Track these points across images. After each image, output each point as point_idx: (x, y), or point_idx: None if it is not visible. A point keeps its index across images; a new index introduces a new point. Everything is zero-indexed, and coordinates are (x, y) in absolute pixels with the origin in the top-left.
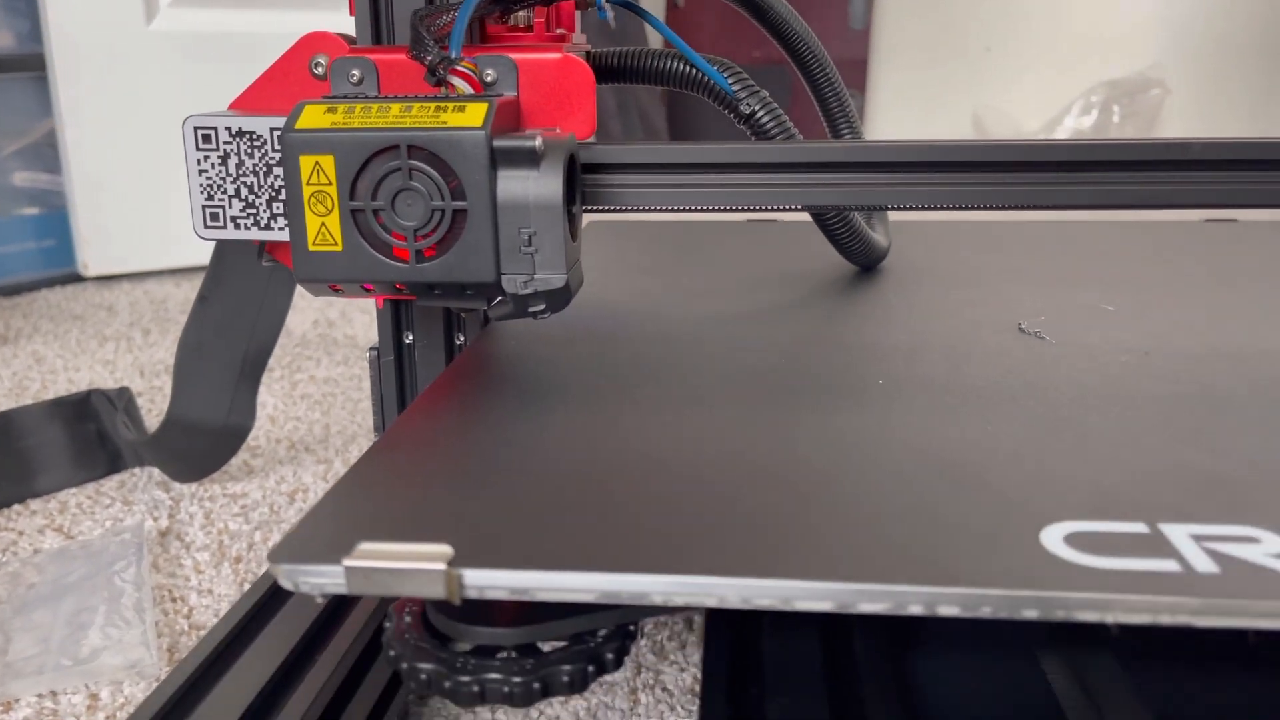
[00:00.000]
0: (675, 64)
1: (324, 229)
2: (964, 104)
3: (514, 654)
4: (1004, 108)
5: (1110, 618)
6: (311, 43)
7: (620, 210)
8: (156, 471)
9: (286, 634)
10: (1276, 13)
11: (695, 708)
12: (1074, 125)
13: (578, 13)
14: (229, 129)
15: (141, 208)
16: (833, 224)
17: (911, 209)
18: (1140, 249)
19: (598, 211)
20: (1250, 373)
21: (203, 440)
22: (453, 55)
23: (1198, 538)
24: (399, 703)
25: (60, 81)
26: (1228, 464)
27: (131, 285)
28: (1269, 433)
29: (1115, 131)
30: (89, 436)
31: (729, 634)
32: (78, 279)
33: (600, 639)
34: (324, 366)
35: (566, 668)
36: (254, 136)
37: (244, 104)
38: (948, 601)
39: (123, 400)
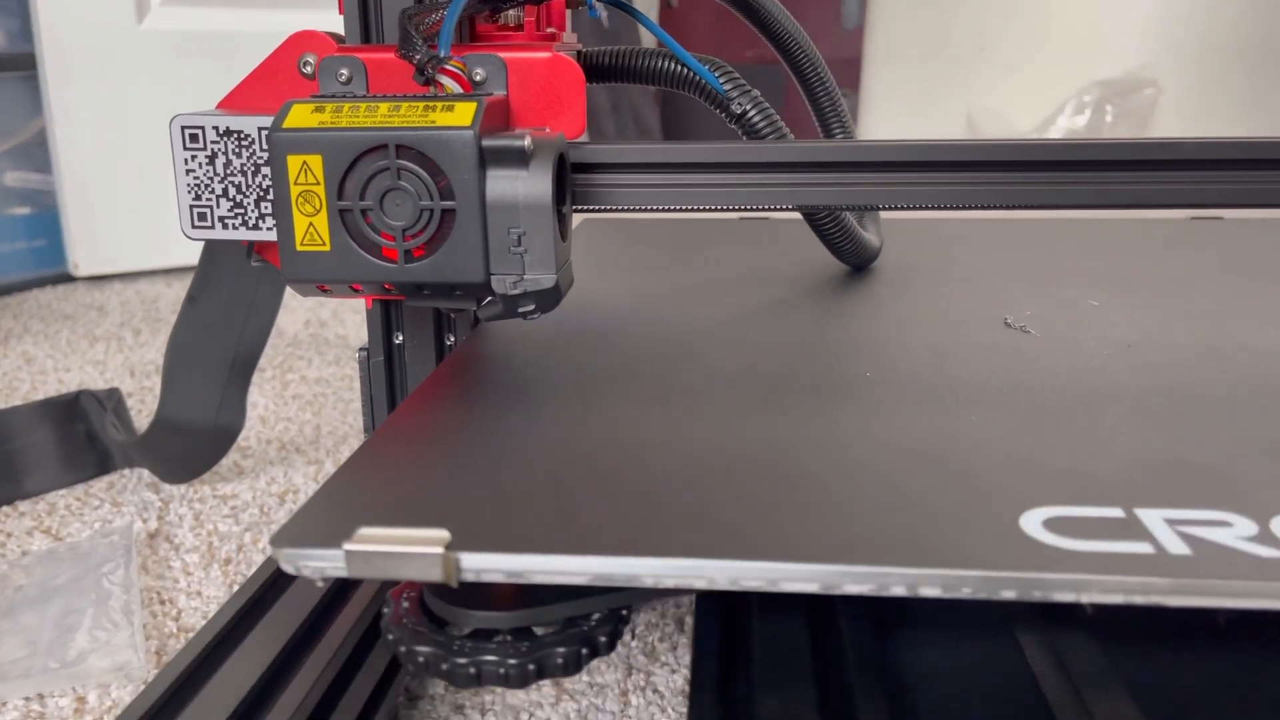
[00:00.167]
0: (667, 63)
1: (312, 229)
2: (957, 103)
3: (509, 637)
4: (997, 107)
5: (1085, 598)
6: (300, 41)
7: (611, 210)
8: (146, 473)
9: (275, 635)
10: (1268, 12)
11: (686, 708)
12: (1067, 125)
13: (568, 12)
14: (216, 128)
15: (133, 207)
16: (824, 224)
17: (903, 209)
18: (1127, 246)
19: (588, 211)
20: (1229, 365)
21: (192, 441)
22: (441, 54)
23: (1171, 522)
24: (388, 705)
25: (51, 81)
26: (1203, 453)
27: (122, 285)
28: (1245, 423)
29: (1108, 131)
30: (78, 438)
31: (718, 620)
32: (68, 279)
33: (593, 623)
34: (315, 367)
35: (560, 650)
36: (242, 136)
37: (232, 103)
38: (929, 583)
39: (112, 401)
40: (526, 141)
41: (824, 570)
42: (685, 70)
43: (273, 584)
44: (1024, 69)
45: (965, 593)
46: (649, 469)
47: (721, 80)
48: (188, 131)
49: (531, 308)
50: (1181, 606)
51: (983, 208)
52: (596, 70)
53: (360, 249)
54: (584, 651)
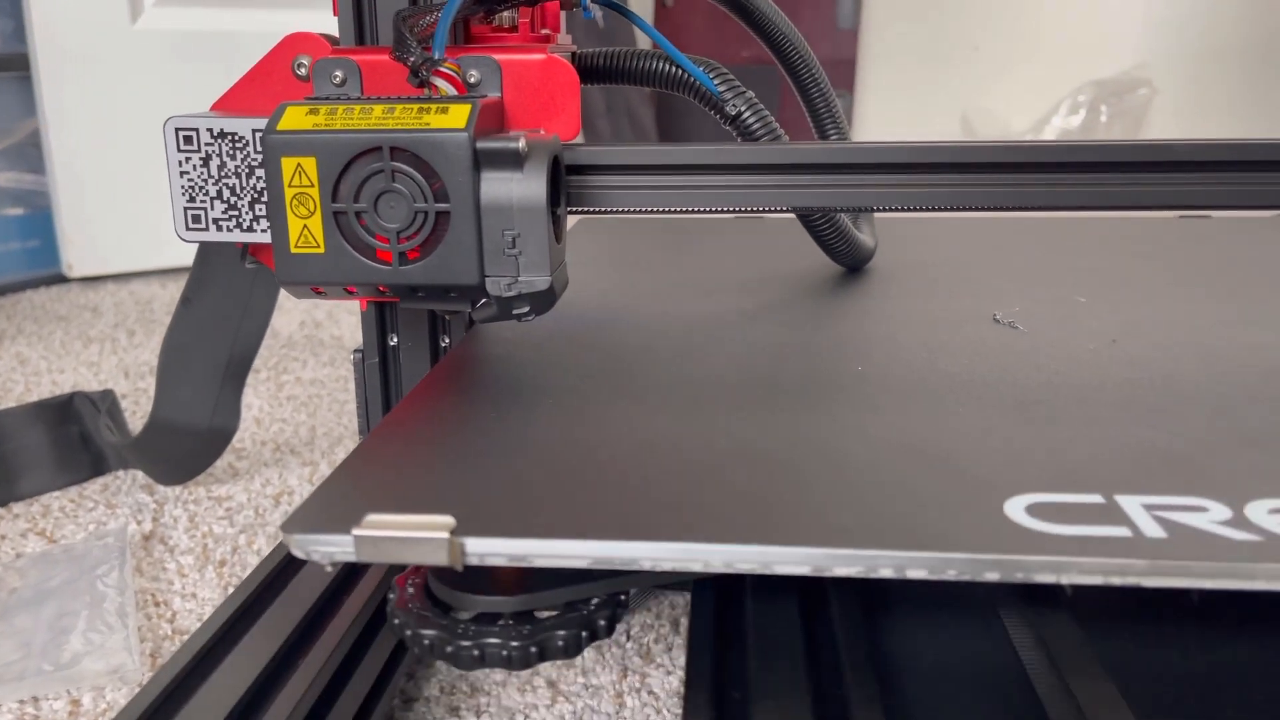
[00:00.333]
0: (661, 65)
1: (306, 231)
2: (952, 103)
3: (512, 621)
4: (992, 107)
5: (1065, 579)
6: (294, 43)
7: (605, 211)
8: (141, 474)
9: (270, 637)
10: (1264, 13)
11: (680, 711)
12: (1062, 125)
13: (563, 13)
14: (210, 130)
15: (127, 208)
16: (819, 225)
17: (897, 210)
18: (1115, 243)
19: (583, 213)
20: (1212, 359)
21: (187, 443)
22: (436, 56)
23: (1149, 507)
24: (384, 707)
25: (44, 81)
26: (1183, 442)
27: (116, 286)
28: (1223, 413)
29: (1103, 131)
30: (72, 439)
31: (713, 605)
32: (62, 280)
33: (593, 607)
34: (310, 368)
35: (561, 633)
36: (236, 138)
37: (226, 105)
38: (916, 565)
39: (106, 403)
40: (521, 143)
41: (815, 553)
42: (679, 72)
43: (268, 586)
44: (1019, 69)
45: (951, 574)
46: (646, 459)
47: (716, 82)
48: (182, 133)
49: (526, 310)
50: (1157, 587)
51: (977, 209)
52: (591, 72)
53: (355, 251)
54: (584, 634)
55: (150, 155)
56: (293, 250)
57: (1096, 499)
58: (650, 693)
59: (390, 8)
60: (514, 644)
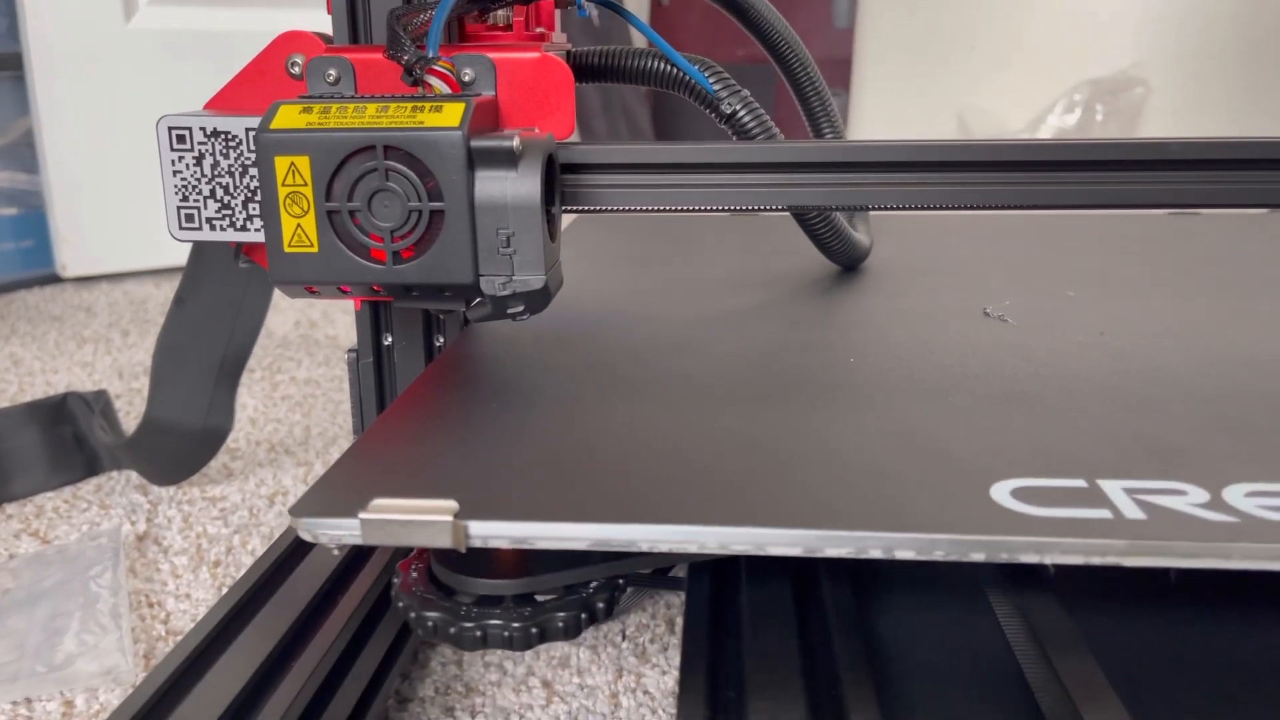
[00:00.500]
0: (656, 63)
1: (300, 230)
2: (948, 102)
3: (512, 603)
4: (988, 106)
5: (1048, 558)
6: (288, 42)
7: (600, 210)
8: (134, 475)
9: (264, 638)
10: (1259, 12)
11: (675, 710)
12: (1057, 124)
13: (558, 11)
14: (204, 129)
15: (121, 208)
16: (815, 223)
17: (893, 209)
18: (1106, 239)
19: (577, 211)
20: (1196, 351)
21: (181, 443)
22: (430, 55)
23: (1130, 491)
24: (379, 707)
25: (38, 80)
26: (1166, 430)
27: (110, 286)
28: (1204, 402)
29: (1098, 130)
30: (65, 440)
31: (708, 589)
32: (56, 280)
33: (591, 590)
34: (305, 367)
35: (561, 615)
36: (229, 137)
37: (220, 103)
38: (904, 546)
39: (99, 403)
40: (515, 142)
41: (807, 535)
42: (675, 70)
43: (262, 587)
44: (1014, 68)
45: (938, 555)
46: (643, 447)
47: (711, 80)
48: (175, 132)
49: (521, 309)
50: (1136, 567)
51: (972, 208)
52: (586, 70)
53: (348, 250)
54: (583, 616)
55: (144, 154)
56: (286, 249)
57: (1079, 483)
58: (645, 692)
59: (384, 6)
60: (515, 625)
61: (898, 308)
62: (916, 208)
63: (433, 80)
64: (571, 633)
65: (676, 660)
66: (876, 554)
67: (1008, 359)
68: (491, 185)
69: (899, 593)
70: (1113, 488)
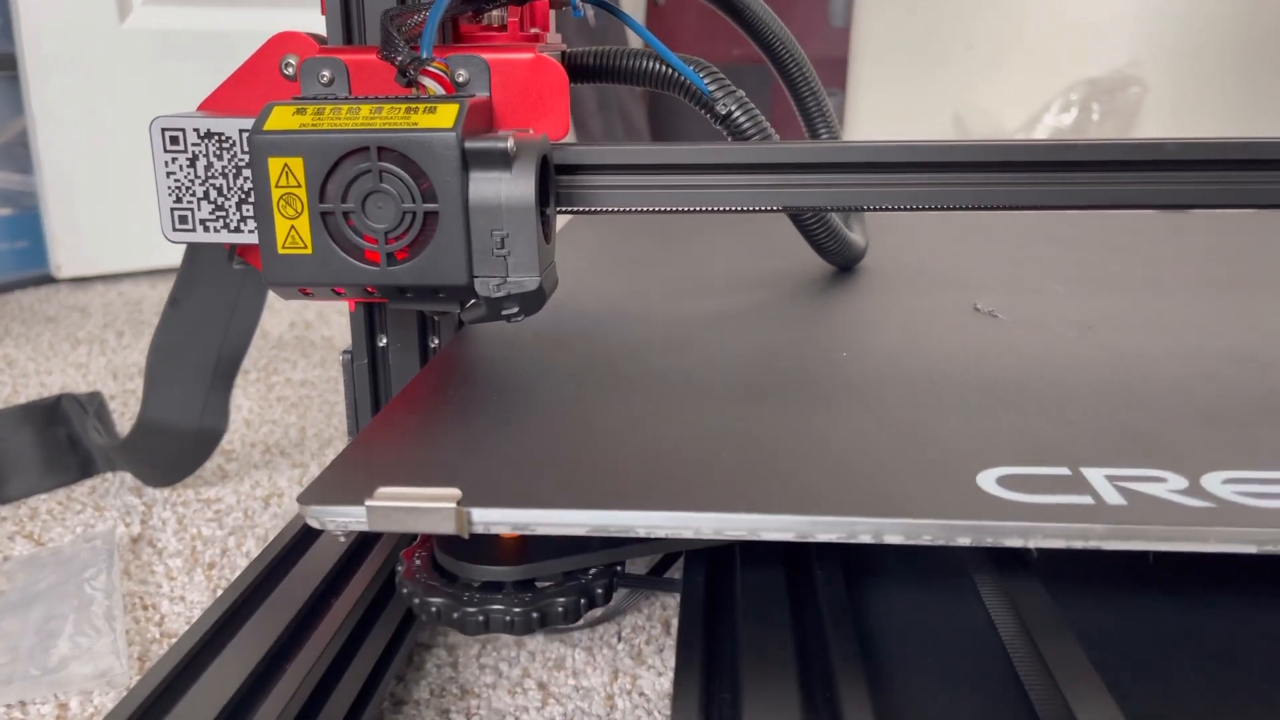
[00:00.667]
0: (651, 64)
1: (293, 232)
2: (944, 101)
3: (514, 589)
4: (984, 105)
5: (1032, 542)
6: (281, 43)
7: (595, 211)
8: (129, 477)
9: (259, 640)
10: (1254, 11)
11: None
12: (1053, 123)
13: (552, 12)
14: (197, 130)
15: (116, 208)
16: (810, 224)
17: (888, 209)
18: (1097, 236)
19: (572, 212)
20: (1180, 344)
21: (175, 444)
22: (424, 56)
23: (1112, 478)
24: (374, 710)
25: (32, 81)
26: (1148, 421)
27: (105, 287)
28: (1187, 394)
29: (1095, 129)
30: (60, 441)
31: (704, 571)
32: (50, 281)
33: (590, 576)
34: (300, 369)
35: (561, 600)
36: (222, 138)
37: (213, 105)
38: (893, 531)
39: (94, 405)
40: (509, 143)
41: (799, 520)
42: (670, 71)
43: (257, 589)
44: (1011, 67)
45: (926, 539)
46: (640, 438)
47: (706, 81)
48: (168, 134)
49: (515, 310)
50: (1118, 551)
51: (968, 209)
52: (581, 71)
53: (342, 252)
54: (582, 601)
55: (139, 155)
56: (280, 251)
57: (1063, 471)
58: (641, 694)
59: (378, 7)
60: (516, 610)
61: (890, 304)
62: (912, 208)
63: (427, 81)
64: (571, 617)
65: (672, 662)
66: (866, 538)
67: (996, 353)
68: (486, 186)
69: (890, 582)
70: (1095, 475)
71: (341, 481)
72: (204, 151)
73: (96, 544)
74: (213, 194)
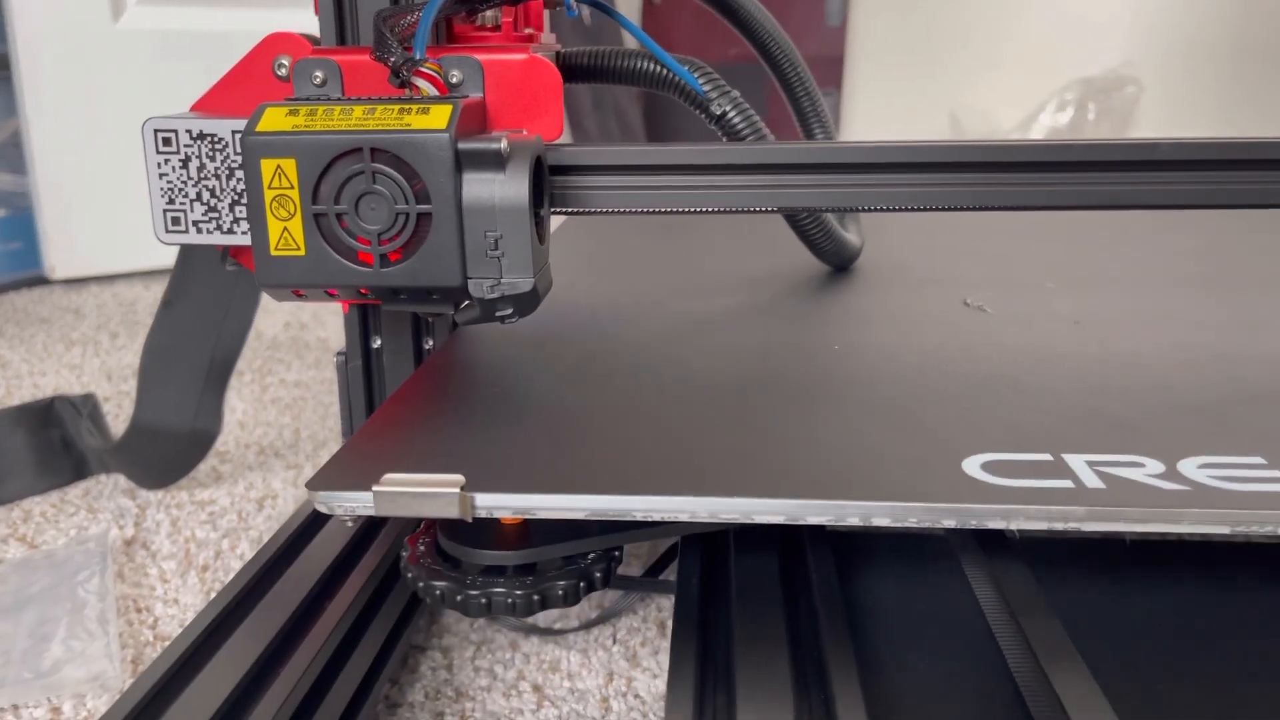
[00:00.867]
0: (645, 64)
1: (286, 233)
2: (941, 101)
3: (515, 573)
4: (980, 104)
5: (1014, 524)
6: (275, 43)
7: (589, 212)
8: (123, 479)
9: (253, 643)
10: (1250, 10)
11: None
12: (1049, 123)
13: (546, 12)
14: (190, 131)
15: (110, 209)
16: (805, 224)
17: (882, 210)
18: (1088, 232)
19: (566, 213)
20: (1164, 337)
21: (169, 446)
22: (417, 56)
23: (1092, 463)
24: (368, 712)
25: (26, 81)
26: (1129, 410)
27: (99, 288)
28: (1168, 385)
29: (1090, 128)
30: (53, 443)
31: (699, 559)
32: (44, 282)
33: (589, 560)
34: (295, 370)
35: (561, 583)
36: (215, 139)
37: (206, 105)
38: (880, 513)
39: (87, 406)
40: (503, 144)
41: (790, 504)
42: (664, 71)
43: (250, 591)
44: (1007, 66)
45: (912, 522)
46: (638, 428)
47: (701, 81)
48: (160, 135)
49: (509, 311)
50: (1095, 532)
51: (964, 209)
52: (575, 71)
53: (335, 253)
54: (581, 585)
55: (133, 155)
56: (273, 252)
57: (1045, 457)
58: (636, 696)
59: (371, 7)
60: (518, 593)
61: (881, 299)
62: (907, 209)
63: (420, 82)
64: (571, 600)
65: (667, 664)
66: (854, 521)
67: (984, 345)
68: (479, 187)
69: (881, 568)
70: (1076, 461)
71: (349, 468)
72: (197, 153)
73: (90, 546)
74: (205, 195)
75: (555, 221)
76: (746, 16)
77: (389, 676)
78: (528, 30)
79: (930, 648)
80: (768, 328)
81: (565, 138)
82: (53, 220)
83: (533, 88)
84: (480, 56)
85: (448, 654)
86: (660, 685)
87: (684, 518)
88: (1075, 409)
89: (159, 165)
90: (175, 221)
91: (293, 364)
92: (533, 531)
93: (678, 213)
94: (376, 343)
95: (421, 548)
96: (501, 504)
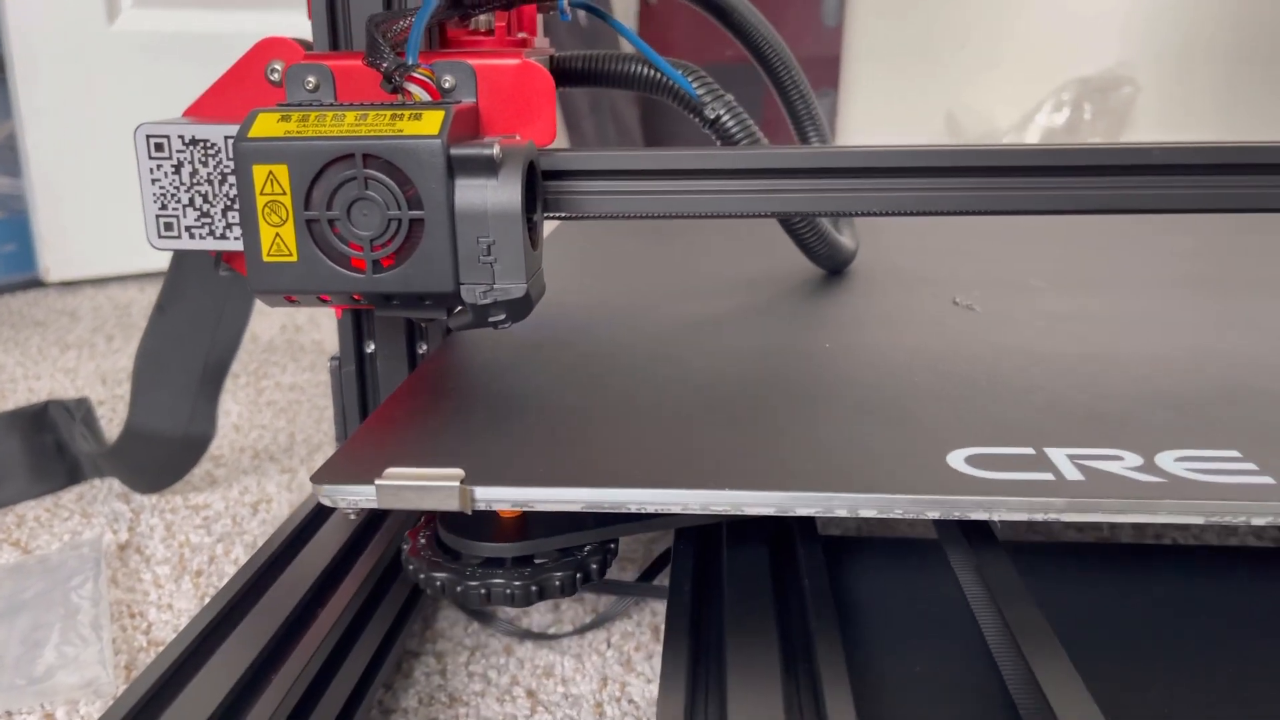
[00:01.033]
0: (640, 68)
1: (279, 239)
2: (937, 101)
3: (514, 565)
4: (977, 104)
5: (995, 515)
6: (267, 48)
7: (582, 217)
8: (117, 483)
9: (247, 648)
10: (1246, 10)
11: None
12: (1046, 122)
13: (540, 16)
14: (182, 137)
15: (104, 211)
16: (800, 228)
17: (876, 214)
18: (1077, 233)
19: (560, 218)
20: (1147, 336)
21: (163, 450)
22: (409, 62)
23: (1073, 457)
24: (362, 718)
25: (20, 83)
26: (1110, 405)
27: (94, 290)
28: (1150, 382)
29: (1087, 128)
30: (47, 448)
31: (692, 563)
32: (39, 284)
33: (585, 552)
34: (290, 373)
35: (558, 574)
36: (208, 145)
37: (199, 110)
38: (867, 505)
39: (81, 411)
40: (495, 150)
41: (779, 496)
42: (659, 75)
43: (244, 596)
44: (1004, 66)
45: (897, 513)
46: (633, 424)
47: (695, 85)
48: (153, 140)
49: (502, 317)
50: (1073, 521)
51: (957, 214)
52: (570, 75)
53: (328, 259)
54: (578, 576)
55: (127, 158)
56: (265, 258)
57: (1028, 451)
58: (630, 701)
59: (364, 12)
60: (516, 584)
61: (873, 298)
62: (901, 214)
63: (412, 88)
64: (568, 590)
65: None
66: (842, 512)
67: (971, 343)
68: (471, 193)
69: (870, 559)
70: (1057, 454)
71: (352, 463)
72: (189, 158)
73: (84, 551)
74: (198, 201)
75: (548, 226)
76: (740, 20)
77: (383, 682)
78: (521, 35)
79: (918, 644)
80: (761, 328)
81: (562, 141)
82: (47, 222)
83: (525, 93)
84: (473, 61)
85: (442, 659)
86: (654, 690)
87: (677, 509)
88: (1058, 405)
89: (151, 171)
90: (168, 227)
91: (288, 367)
92: (530, 525)
93: (671, 217)
94: (370, 347)
95: (422, 541)
96: (500, 497)
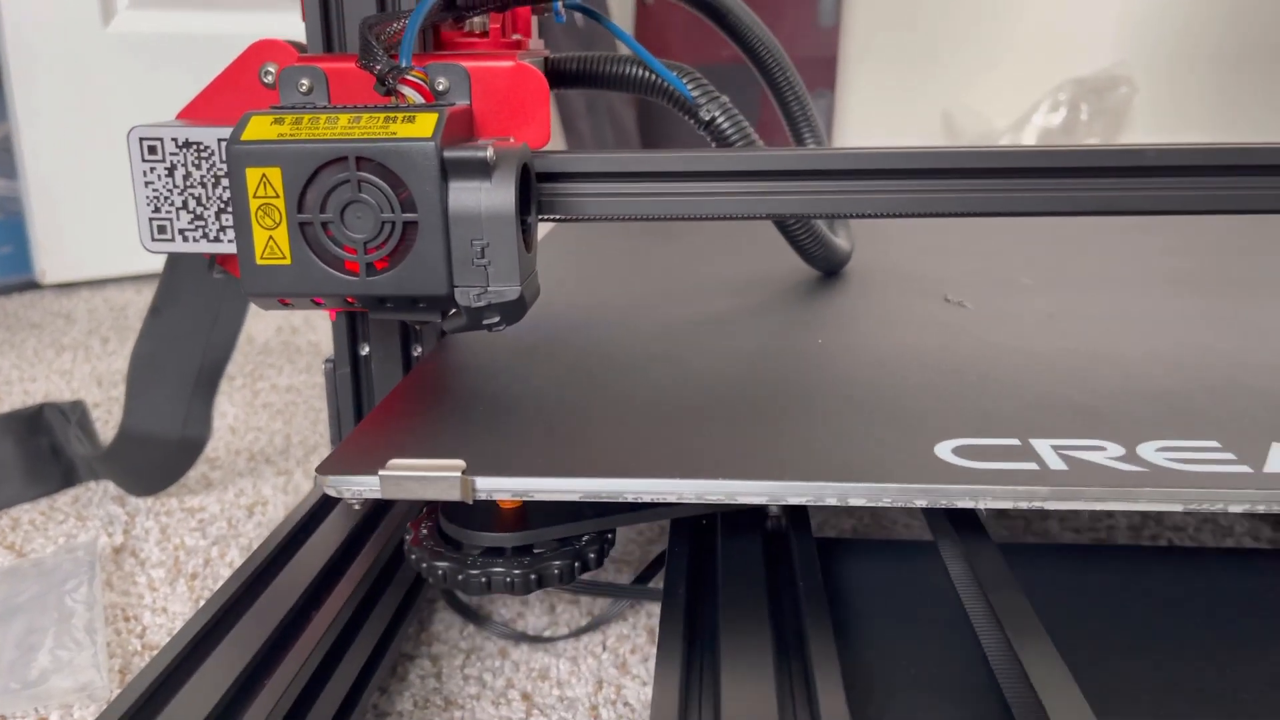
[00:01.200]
0: (635, 70)
1: (272, 242)
2: (934, 101)
3: (513, 554)
4: (974, 105)
5: (981, 504)
6: (261, 50)
7: (577, 219)
8: (112, 486)
9: (241, 652)
10: (1243, 10)
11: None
12: (1043, 123)
13: (535, 17)
14: (175, 140)
15: (101, 213)
16: (795, 229)
17: (872, 216)
18: (1068, 232)
19: (554, 221)
20: (1133, 332)
21: (158, 453)
22: (403, 64)
23: (1057, 447)
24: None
25: (16, 84)
26: (1096, 398)
27: (90, 293)
28: (1134, 375)
29: (1084, 129)
30: (42, 450)
31: (686, 565)
32: (35, 286)
33: (583, 542)
34: (286, 375)
35: (557, 563)
36: (201, 147)
37: (192, 113)
38: (856, 494)
39: (76, 413)
40: (489, 152)
41: (771, 485)
42: (653, 77)
43: (239, 600)
44: (1000, 66)
45: (886, 501)
46: (629, 417)
47: (690, 87)
48: (146, 143)
49: (496, 319)
50: (1056, 509)
51: (952, 215)
52: (564, 77)
53: (321, 262)
54: (576, 565)
55: (123, 159)
56: (258, 261)
57: (1014, 442)
58: (626, 704)
59: (358, 14)
60: (516, 572)
61: (865, 295)
62: (896, 215)
63: (406, 90)
64: (566, 579)
65: None
66: (832, 501)
67: (960, 338)
68: (465, 196)
69: (865, 572)
70: (1042, 445)
71: (356, 454)
72: (182, 161)
73: (78, 555)
74: (191, 203)
75: (543, 228)
76: (735, 21)
77: (378, 685)
78: (515, 36)
79: (912, 643)
80: (755, 327)
81: (558, 141)
82: (43, 224)
83: (520, 95)
84: (467, 64)
85: (437, 662)
86: (650, 693)
87: (672, 499)
88: (1044, 397)
89: (145, 173)
90: (161, 230)
91: (284, 369)
92: (530, 515)
93: (666, 219)
94: (365, 350)
95: (424, 531)
96: (500, 487)
